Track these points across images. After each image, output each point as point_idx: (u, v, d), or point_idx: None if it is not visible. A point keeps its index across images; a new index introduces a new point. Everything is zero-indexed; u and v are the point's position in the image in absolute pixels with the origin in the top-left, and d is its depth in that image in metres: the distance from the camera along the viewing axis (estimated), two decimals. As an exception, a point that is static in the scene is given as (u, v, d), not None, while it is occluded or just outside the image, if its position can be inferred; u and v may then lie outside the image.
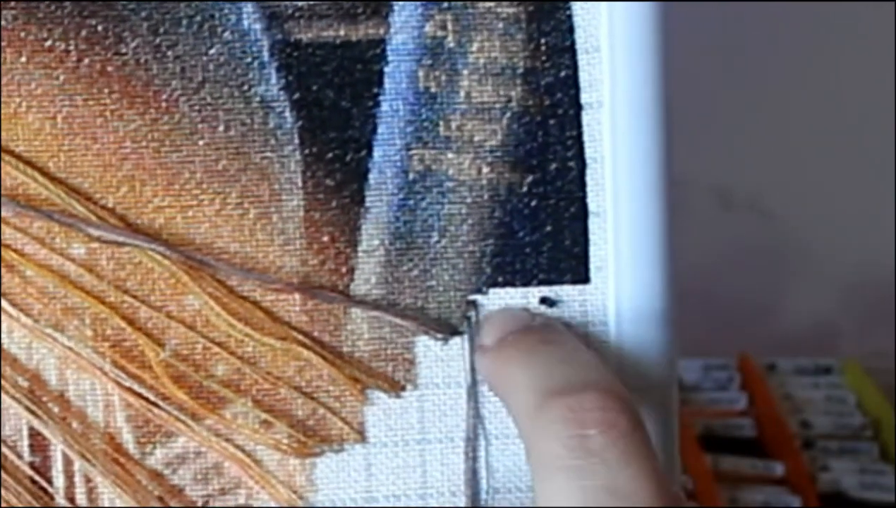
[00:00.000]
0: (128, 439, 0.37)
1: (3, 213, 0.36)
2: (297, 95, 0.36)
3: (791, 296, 1.05)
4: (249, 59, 0.36)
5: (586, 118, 0.37)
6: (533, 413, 0.33)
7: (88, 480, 0.37)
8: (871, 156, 1.02)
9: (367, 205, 0.37)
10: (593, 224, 0.37)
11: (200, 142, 0.36)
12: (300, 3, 0.36)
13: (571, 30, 0.37)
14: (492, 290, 0.37)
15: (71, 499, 0.37)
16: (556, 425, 0.32)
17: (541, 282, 0.37)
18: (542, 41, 0.37)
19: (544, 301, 0.37)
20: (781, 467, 0.88)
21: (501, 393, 0.36)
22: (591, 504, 0.31)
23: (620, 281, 0.37)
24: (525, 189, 0.37)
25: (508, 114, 0.37)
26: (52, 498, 0.37)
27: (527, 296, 0.37)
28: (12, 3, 0.36)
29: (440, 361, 0.37)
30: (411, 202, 0.37)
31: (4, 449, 0.37)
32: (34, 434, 0.37)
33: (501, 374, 0.35)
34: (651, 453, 0.32)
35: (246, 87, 0.36)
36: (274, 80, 0.36)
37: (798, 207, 1.02)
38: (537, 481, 0.33)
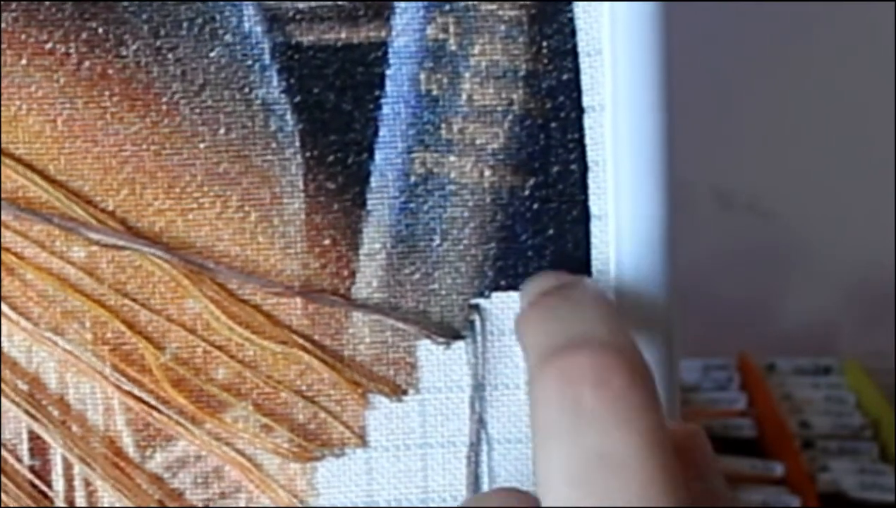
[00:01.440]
0: (128, 443, 0.37)
1: (3, 217, 0.36)
2: (298, 98, 0.36)
3: (791, 296, 1.05)
4: (250, 62, 0.36)
5: (588, 121, 0.37)
6: (531, 375, 0.31)
7: (88, 484, 0.37)
8: (871, 157, 1.01)
9: (369, 208, 0.37)
10: (595, 227, 0.37)
11: (201, 145, 0.36)
12: (301, 6, 0.36)
13: (573, 33, 0.36)
14: (494, 294, 0.37)
15: (71, 503, 0.37)
16: (549, 386, 0.30)
17: (543, 286, 0.37)
18: (544, 44, 0.36)
19: None
20: (781, 467, 0.88)
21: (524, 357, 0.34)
22: (582, 469, 0.29)
23: (622, 285, 0.37)
24: (527, 192, 0.37)
25: (510, 118, 0.37)
26: (51, 502, 0.37)
27: (529, 300, 0.37)
28: (13, 6, 0.35)
29: (442, 365, 0.37)
30: (413, 205, 0.37)
31: (4, 453, 0.37)
32: (34, 437, 0.37)
33: (520, 338, 0.34)
34: (650, 413, 0.30)
35: (247, 90, 0.36)
36: (275, 83, 0.36)
37: (798, 207, 1.02)
38: (534, 447, 0.31)
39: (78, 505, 0.37)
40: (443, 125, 0.36)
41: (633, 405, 0.30)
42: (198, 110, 0.36)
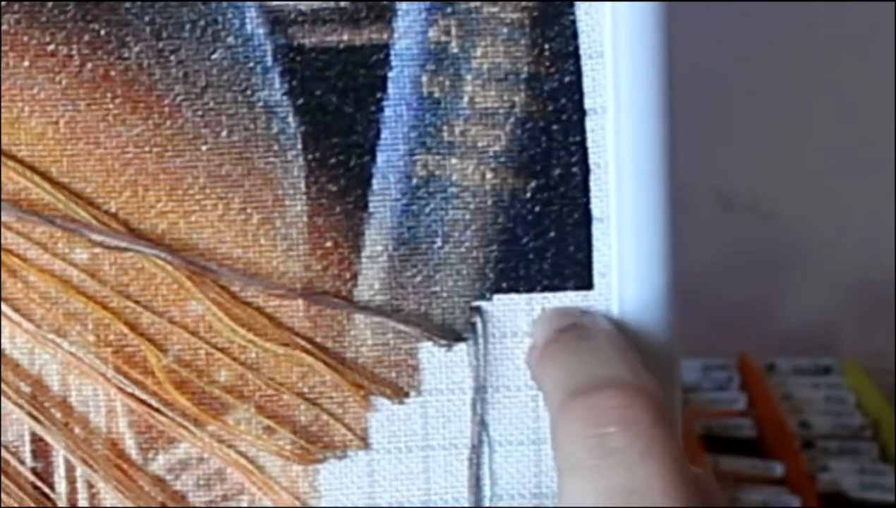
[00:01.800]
0: (130, 445, 0.37)
1: (6, 218, 0.36)
2: (300, 100, 0.36)
3: (791, 296, 1.05)
4: (252, 64, 0.36)
5: (590, 123, 0.37)
6: (557, 412, 0.33)
7: (91, 486, 0.37)
8: (871, 157, 1.01)
9: (371, 210, 0.37)
10: (597, 229, 0.37)
11: (203, 147, 0.36)
12: (303, 8, 0.36)
13: (575, 35, 0.36)
14: (496, 296, 0.37)
15: (73, 505, 0.37)
16: (576, 424, 0.32)
17: (544, 288, 0.37)
18: (546, 46, 0.36)
19: None
20: (781, 467, 0.88)
21: (543, 395, 0.35)
22: (611, 503, 0.31)
23: (624, 287, 0.37)
24: (528, 194, 0.37)
25: (512, 120, 0.37)
26: (54, 504, 0.37)
27: (531, 302, 0.37)
28: (15, 7, 0.35)
29: (444, 367, 0.37)
30: (415, 207, 0.37)
31: (7, 455, 0.37)
32: (36, 439, 0.37)
33: (540, 373, 0.35)
34: (674, 449, 0.31)
35: (249, 92, 0.36)
36: (277, 85, 0.36)
37: (798, 208, 1.02)
38: (560, 480, 0.32)
39: (80, 507, 0.37)
40: (444, 127, 0.37)
41: (657, 442, 0.31)
42: (200, 112, 0.36)
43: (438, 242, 0.37)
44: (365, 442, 0.37)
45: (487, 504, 0.37)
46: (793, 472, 0.87)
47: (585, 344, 0.34)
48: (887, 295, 1.00)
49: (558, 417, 0.33)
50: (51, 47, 0.36)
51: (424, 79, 0.36)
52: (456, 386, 0.37)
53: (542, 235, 0.37)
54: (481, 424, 0.37)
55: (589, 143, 0.37)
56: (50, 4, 0.36)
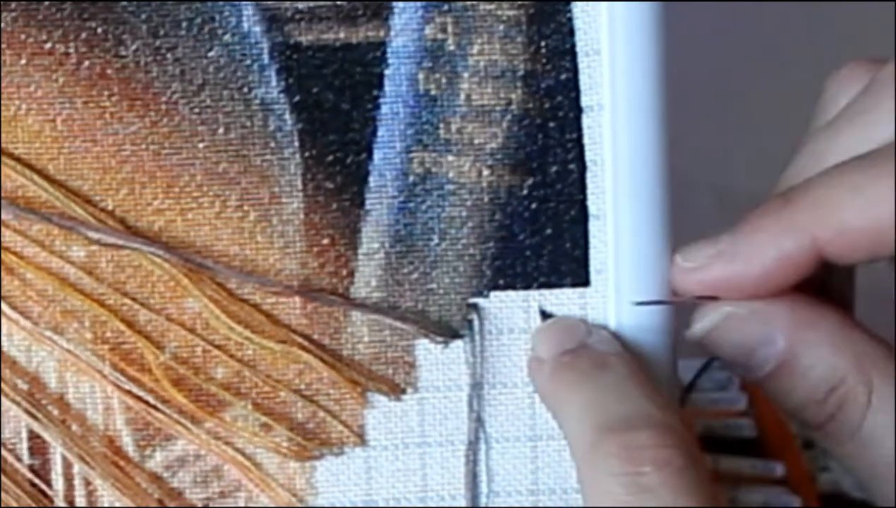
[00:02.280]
0: (127, 442, 0.37)
1: (3, 216, 0.36)
2: (297, 98, 0.36)
3: (791, 296, 1.05)
4: (249, 62, 0.36)
5: (587, 121, 0.37)
6: (589, 449, 0.33)
7: (88, 483, 0.37)
8: (871, 156, 1.01)
9: (368, 207, 0.37)
10: (593, 227, 0.37)
11: (200, 145, 0.36)
12: (300, 6, 0.36)
13: (572, 32, 0.36)
14: (492, 293, 0.37)
15: (70, 502, 0.37)
16: (610, 462, 0.32)
17: (541, 285, 0.37)
18: (543, 44, 0.36)
19: (543, 314, 0.37)
20: (781, 467, 0.87)
21: (556, 416, 0.36)
22: None
23: (621, 284, 0.37)
24: (525, 192, 0.37)
25: (509, 117, 0.37)
26: (51, 501, 0.37)
27: (527, 299, 0.37)
28: (12, 5, 0.36)
29: (441, 364, 0.37)
30: (411, 205, 0.37)
31: (4, 452, 0.37)
32: (34, 436, 0.37)
33: (557, 397, 0.36)
34: (706, 487, 0.32)
35: (246, 90, 0.36)
36: (274, 83, 0.36)
37: (798, 207, 1.02)
38: None
39: (77, 504, 0.37)
40: (441, 125, 0.37)
41: (691, 481, 0.32)
42: (197, 110, 0.36)
43: (435, 239, 0.37)
44: (362, 439, 0.37)
45: (484, 501, 0.37)
46: (793, 472, 0.87)
47: (606, 375, 0.35)
48: (887, 295, 1.00)
49: (591, 452, 0.33)
50: (48, 45, 0.36)
51: (421, 76, 0.36)
52: (453, 383, 0.37)
53: (539, 232, 0.37)
54: (478, 421, 0.37)
55: (585, 141, 0.37)
56: (47, 3, 0.36)
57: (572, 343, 0.36)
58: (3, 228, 0.36)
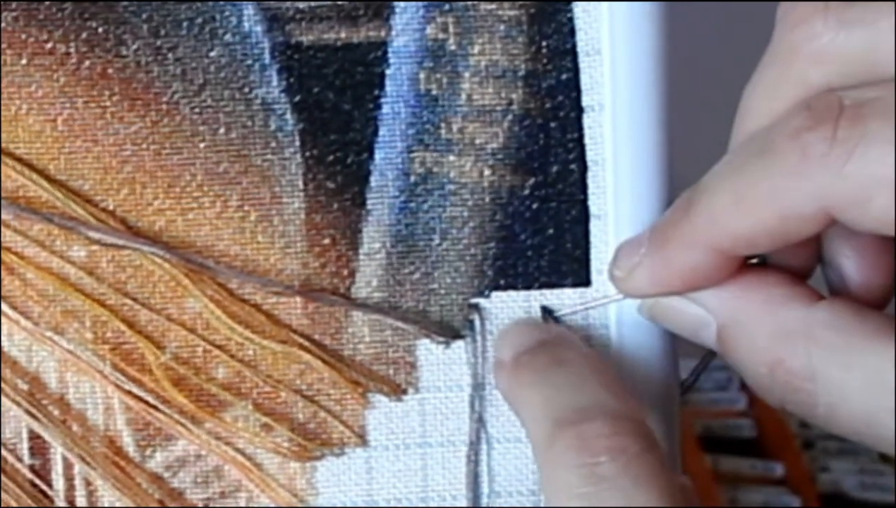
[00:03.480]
0: (128, 442, 0.37)
1: (4, 216, 0.36)
2: (298, 98, 0.36)
3: (791, 296, 1.05)
4: (250, 62, 0.36)
5: (587, 121, 0.37)
6: (546, 445, 0.33)
7: (88, 483, 0.37)
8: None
9: (369, 207, 0.37)
10: (595, 226, 0.37)
11: (201, 145, 0.36)
12: (301, 6, 0.36)
13: (573, 32, 0.36)
14: (493, 293, 0.37)
15: (71, 502, 0.37)
16: (567, 454, 0.32)
17: (542, 285, 0.37)
18: (544, 44, 0.36)
19: (545, 311, 0.37)
20: (781, 467, 0.88)
21: (518, 415, 0.36)
22: None
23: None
24: (526, 192, 0.37)
25: (510, 117, 0.37)
26: (52, 501, 0.37)
27: (529, 299, 0.37)
28: (13, 5, 0.36)
29: (442, 364, 0.37)
30: (412, 205, 0.37)
31: (4, 452, 0.37)
32: (34, 437, 0.37)
33: (517, 398, 0.35)
34: (664, 472, 0.32)
35: (247, 90, 0.36)
36: (275, 83, 0.36)
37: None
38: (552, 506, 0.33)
39: (78, 505, 0.37)
40: (442, 124, 0.37)
41: (648, 467, 0.32)
42: (198, 110, 0.36)
43: (436, 239, 0.37)
44: (363, 440, 0.37)
45: (485, 502, 0.37)
46: (793, 472, 0.87)
47: (562, 371, 0.35)
48: (887, 295, 1.00)
49: (548, 447, 0.33)
50: (49, 45, 0.36)
51: (422, 76, 0.36)
52: (454, 384, 0.37)
53: (540, 232, 0.37)
54: (479, 421, 0.37)
55: (586, 140, 0.37)
56: (48, 3, 0.36)
57: (531, 342, 0.36)
58: (3, 228, 0.36)
